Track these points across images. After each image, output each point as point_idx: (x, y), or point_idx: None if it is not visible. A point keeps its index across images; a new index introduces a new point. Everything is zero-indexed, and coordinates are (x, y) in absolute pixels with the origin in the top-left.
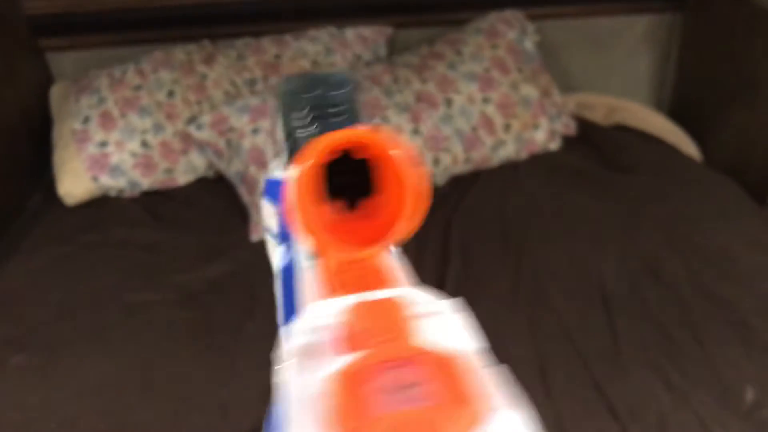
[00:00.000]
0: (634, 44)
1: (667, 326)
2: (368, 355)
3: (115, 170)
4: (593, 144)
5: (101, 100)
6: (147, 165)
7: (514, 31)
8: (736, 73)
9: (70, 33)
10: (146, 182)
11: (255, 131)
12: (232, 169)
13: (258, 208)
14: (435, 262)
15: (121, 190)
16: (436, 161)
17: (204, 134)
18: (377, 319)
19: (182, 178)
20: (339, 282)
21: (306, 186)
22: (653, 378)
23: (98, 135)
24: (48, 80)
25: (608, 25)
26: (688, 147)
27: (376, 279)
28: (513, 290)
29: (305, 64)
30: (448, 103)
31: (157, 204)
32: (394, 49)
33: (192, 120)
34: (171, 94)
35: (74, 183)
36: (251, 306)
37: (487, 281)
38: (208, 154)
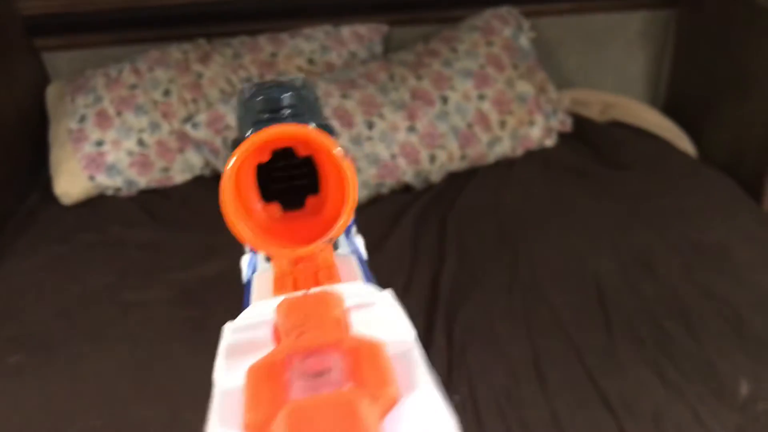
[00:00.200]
0: (629, 41)
1: (662, 320)
2: (286, 345)
3: (112, 169)
4: (589, 140)
5: (97, 100)
6: (143, 164)
7: (509, 28)
8: (730, 68)
9: (65, 33)
10: (143, 181)
11: None
12: None
13: None
14: (431, 258)
15: (117, 189)
16: (432, 158)
17: (200, 133)
18: (306, 313)
19: (179, 176)
20: (291, 281)
21: (232, 181)
22: (648, 372)
23: (94, 134)
24: (44, 80)
25: (603, 22)
26: (683, 143)
27: (327, 276)
28: (509, 285)
29: (301, 62)
30: (444, 100)
31: (153, 203)
32: (389, 46)
33: (188, 119)
34: (167, 92)
35: (71, 182)
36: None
37: (483, 277)
38: (204, 152)
